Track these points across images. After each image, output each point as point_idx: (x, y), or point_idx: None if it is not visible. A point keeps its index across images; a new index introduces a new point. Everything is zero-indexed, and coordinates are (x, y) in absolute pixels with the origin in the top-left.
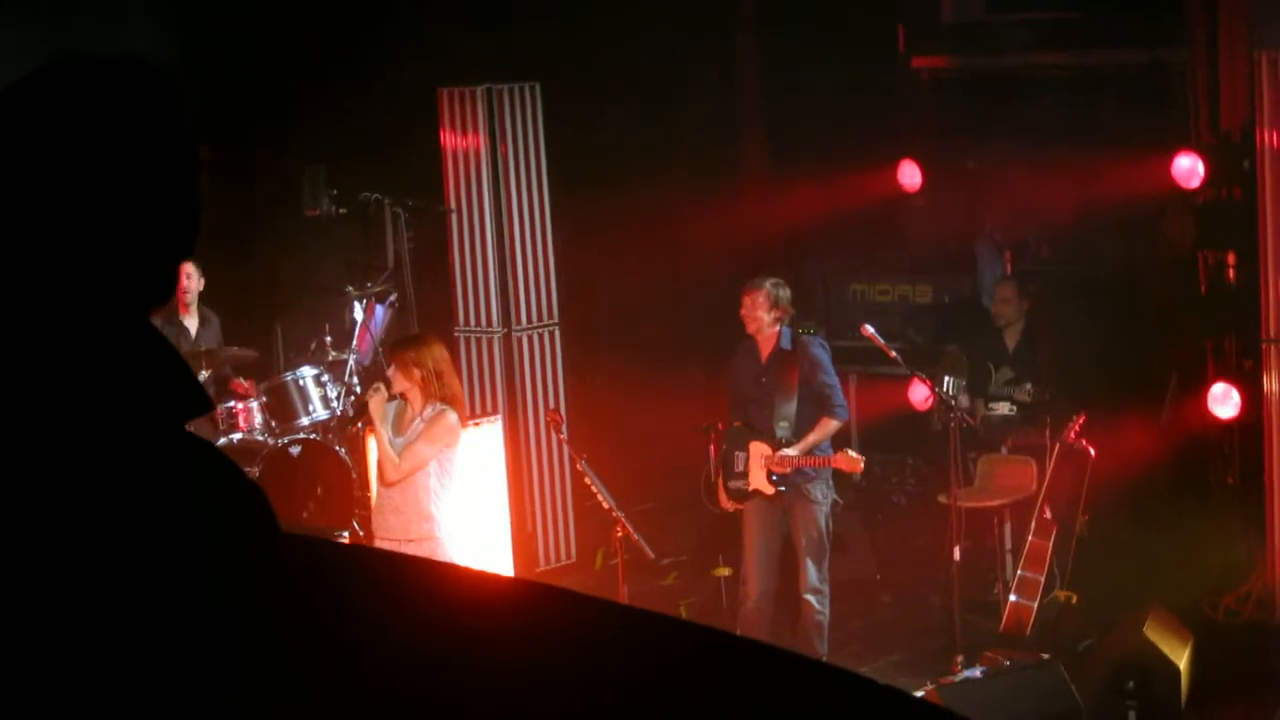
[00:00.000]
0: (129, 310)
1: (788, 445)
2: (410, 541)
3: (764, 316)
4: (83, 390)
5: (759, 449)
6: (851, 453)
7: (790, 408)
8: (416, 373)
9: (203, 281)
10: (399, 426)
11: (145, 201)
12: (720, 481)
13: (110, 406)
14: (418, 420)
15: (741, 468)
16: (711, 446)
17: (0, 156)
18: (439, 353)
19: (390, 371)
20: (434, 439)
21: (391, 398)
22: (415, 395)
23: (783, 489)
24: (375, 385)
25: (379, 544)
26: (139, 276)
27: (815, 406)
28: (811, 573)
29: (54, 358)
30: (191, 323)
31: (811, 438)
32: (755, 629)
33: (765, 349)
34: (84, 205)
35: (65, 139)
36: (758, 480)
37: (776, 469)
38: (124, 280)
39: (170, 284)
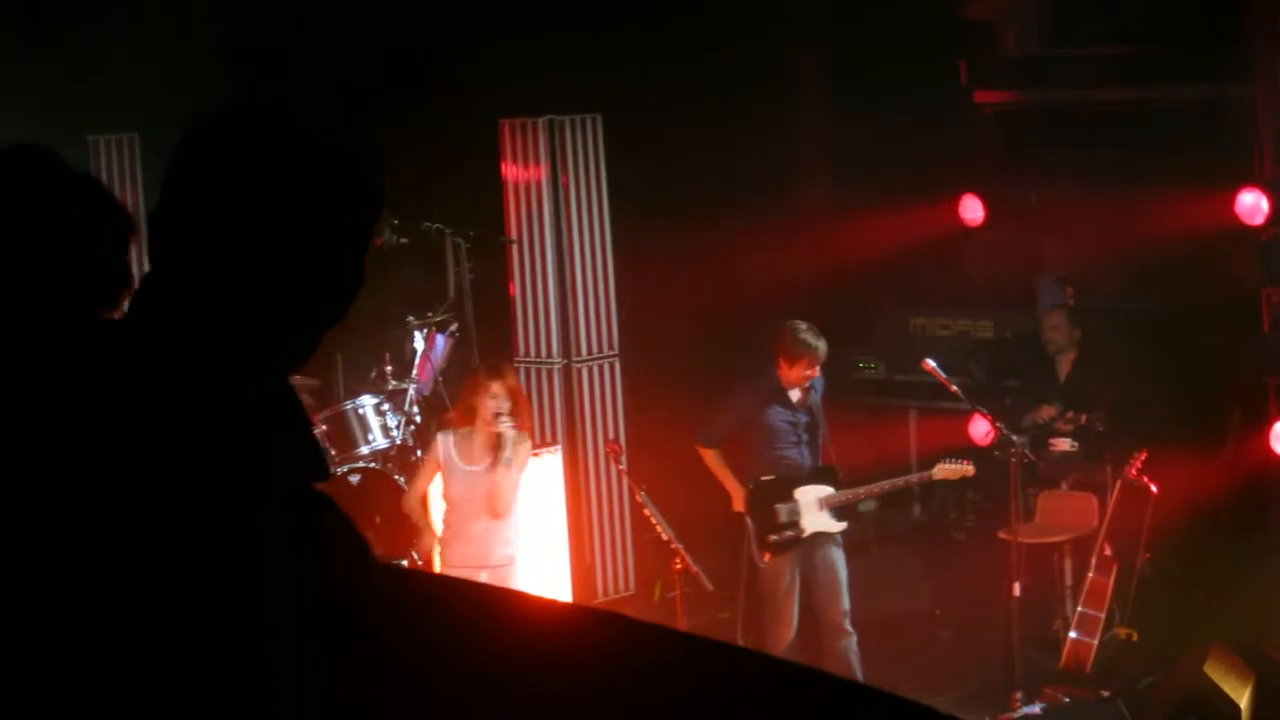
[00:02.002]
0: (276, 371)
1: (840, 483)
2: (488, 568)
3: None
4: (218, 441)
5: (813, 492)
6: (950, 463)
7: (825, 443)
8: (522, 401)
9: None
10: (468, 455)
11: (324, 273)
12: (757, 538)
13: (241, 459)
14: (512, 447)
15: (786, 518)
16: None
17: (194, 205)
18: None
19: (498, 400)
20: (523, 466)
21: (468, 423)
22: (504, 421)
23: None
24: (499, 414)
25: (451, 573)
26: (294, 341)
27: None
28: (848, 599)
29: (198, 408)
30: None
31: None
32: None
33: (800, 392)
34: (264, 269)
35: (260, 202)
36: (818, 523)
37: (848, 501)
38: (280, 343)
39: (313, 351)
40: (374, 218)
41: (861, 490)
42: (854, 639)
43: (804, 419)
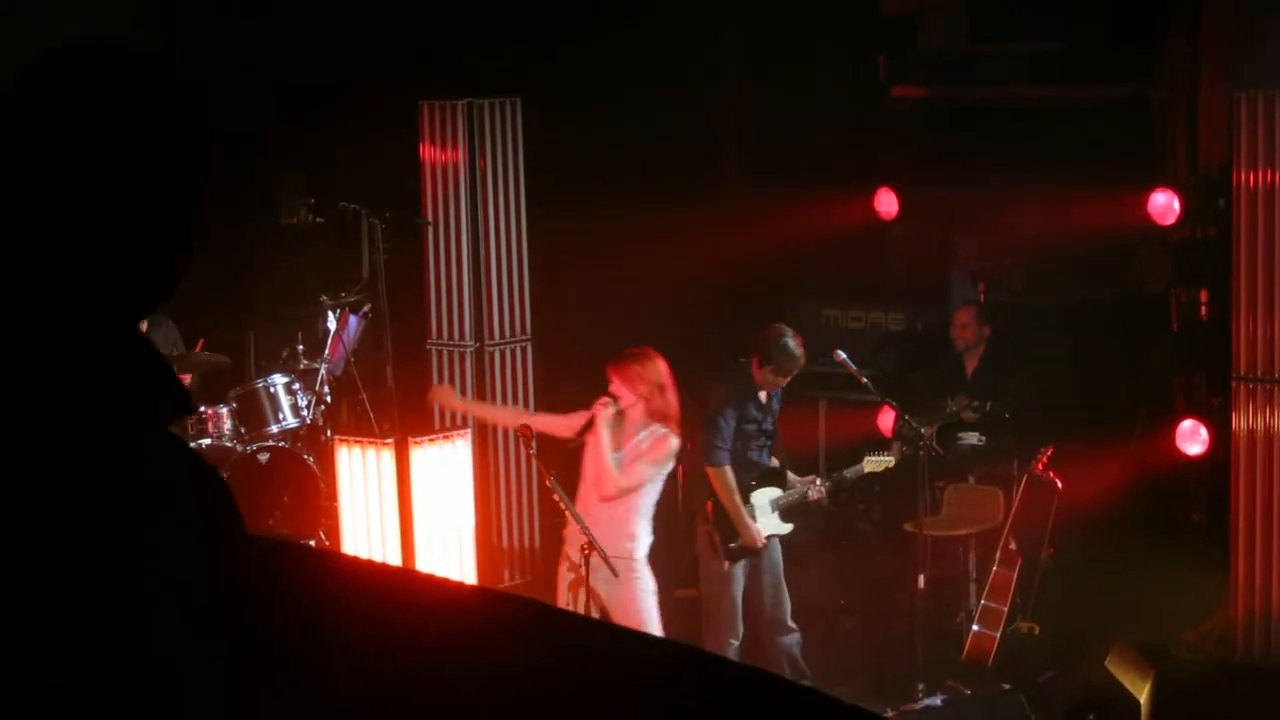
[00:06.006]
0: (114, 311)
1: (788, 484)
2: (612, 557)
3: None
4: (54, 389)
5: (765, 495)
6: (875, 455)
7: (777, 446)
8: (642, 387)
9: None
10: (615, 442)
11: (141, 202)
12: (721, 539)
13: (81, 406)
14: (641, 437)
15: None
16: (681, 467)
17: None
18: (663, 368)
19: (613, 386)
20: (657, 460)
21: (619, 412)
22: (637, 411)
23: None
24: (605, 399)
25: (574, 554)
26: (127, 278)
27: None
28: (788, 597)
29: (31, 356)
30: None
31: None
32: None
33: (766, 395)
34: (77, 204)
35: (63, 136)
36: (771, 526)
37: (794, 502)
38: (110, 281)
39: (166, 285)
40: (194, 159)
41: (804, 490)
42: (798, 635)
43: (768, 423)
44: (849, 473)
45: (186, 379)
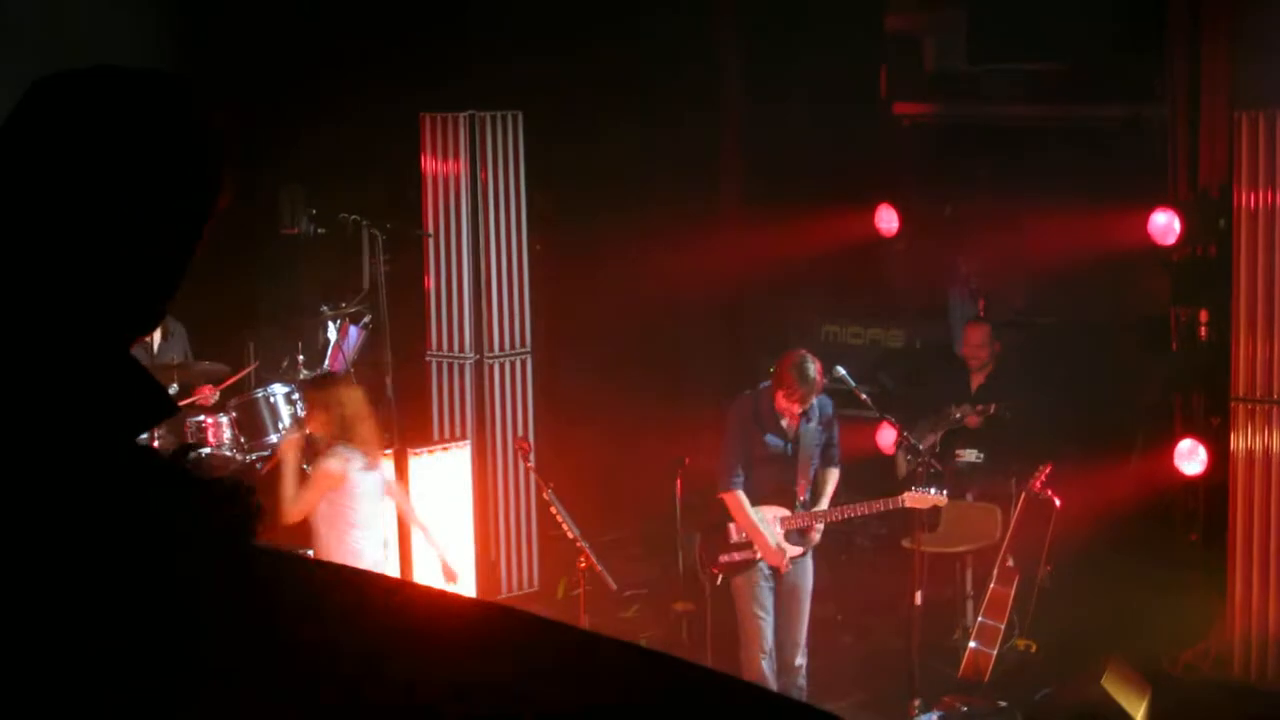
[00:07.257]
0: (102, 336)
1: (805, 505)
2: None
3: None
4: (34, 409)
5: (769, 513)
6: (919, 491)
7: (812, 469)
8: (320, 415)
9: None
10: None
11: (145, 231)
12: (704, 554)
13: (61, 424)
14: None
15: (738, 537)
16: (679, 482)
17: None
18: (347, 396)
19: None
20: (309, 484)
21: (307, 438)
22: (324, 437)
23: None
24: (294, 427)
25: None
26: (120, 306)
27: (824, 462)
28: (804, 633)
29: (15, 378)
30: (152, 335)
31: (831, 492)
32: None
33: (790, 419)
34: (76, 228)
35: (71, 160)
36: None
37: (805, 524)
38: (101, 308)
39: (154, 316)
40: (202, 192)
41: (820, 513)
42: (800, 676)
43: (787, 447)
44: (880, 504)
45: (212, 392)
